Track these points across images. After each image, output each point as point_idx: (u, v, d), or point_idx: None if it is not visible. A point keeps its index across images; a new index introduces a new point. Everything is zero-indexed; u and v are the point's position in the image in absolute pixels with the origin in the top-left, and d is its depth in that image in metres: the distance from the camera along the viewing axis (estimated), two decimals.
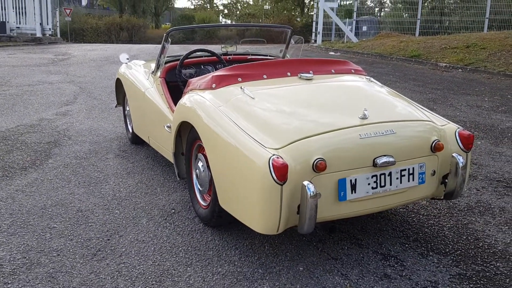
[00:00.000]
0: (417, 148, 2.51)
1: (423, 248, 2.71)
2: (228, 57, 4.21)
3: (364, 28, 19.63)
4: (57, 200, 3.35)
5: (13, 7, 19.25)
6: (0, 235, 2.82)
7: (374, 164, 2.36)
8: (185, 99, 3.00)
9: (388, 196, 2.47)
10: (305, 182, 2.18)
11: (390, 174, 2.43)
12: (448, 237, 2.86)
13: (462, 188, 2.60)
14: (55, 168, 4.03)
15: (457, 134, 2.66)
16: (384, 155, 2.38)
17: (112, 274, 2.43)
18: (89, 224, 2.99)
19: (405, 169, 2.47)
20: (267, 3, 44.71)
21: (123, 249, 2.67)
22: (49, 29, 19.47)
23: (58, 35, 19.84)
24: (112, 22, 37.73)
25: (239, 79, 2.88)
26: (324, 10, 18.08)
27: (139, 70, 4.35)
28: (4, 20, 19.14)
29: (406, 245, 2.76)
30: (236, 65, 3.03)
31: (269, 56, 4.46)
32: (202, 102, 2.80)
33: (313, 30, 19.43)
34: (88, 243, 2.74)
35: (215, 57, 4.00)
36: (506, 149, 4.80)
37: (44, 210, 3.19)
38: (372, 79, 3.21)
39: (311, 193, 2.16)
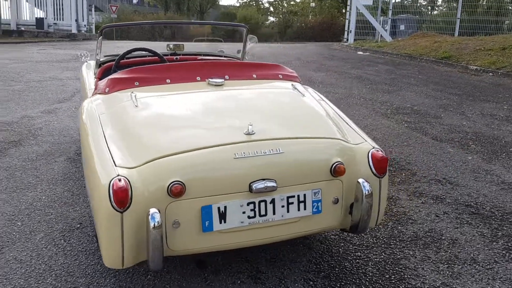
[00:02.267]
0: (311, 172, 2.11)
1: None
2: (175, 57, 3.90)
3: (402, 27, 18.73)
4: None
5: (51, 4, 19.76)
6: None
7: (250, 190, 1.99)
8: (83, 103, 2.72)
9: (271, 227, 2.08)
10: (152, 210, 1.85)
11: (272, 201, 2.04)
12: (367, 275, 2.44)
13: (368, 220, 2.17)
14: None
15: (369, 156, 2.23)
16: (263, 179, 2.00)
17: None
18: None
19: (293, 196, 2.07)
20: (313, 1, 43.86)
21: None
22: (84, 25, 19.84)
23: (93, 32, 20.16)
24: (157, 19, 38.24)
25: (136, 83, 2.56)
26: (357, 8, 17.39)
27: (90, 70, 4.12)
28: (42, 16, 19.68)
29: (311, 283, 2.36)
30: (137, 67, 2.72)
31: (224, 56, 4.11)
32: (89, 108, 2.51)
33: (346, 28, 18.72)
34: None
35: (157, 57, 3.70)
36: (498, 166, 4.22)
37: None
38: (299, 86, 2.80)
39: (155, 223, 1.82)
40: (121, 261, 1.92)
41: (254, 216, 2.03)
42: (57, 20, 19.84)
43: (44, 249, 2.64)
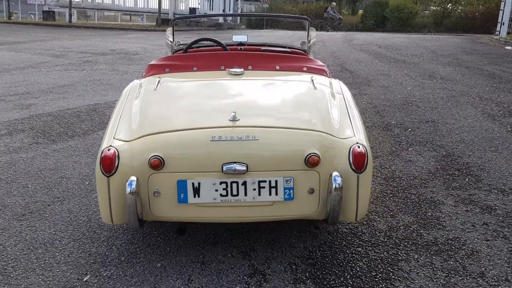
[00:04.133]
0: (284, 160, 2.22)
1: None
2: (239, 47, 4.15)
3: None
4: None
5: None
6: None
7: (222, 170, 2.19)
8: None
9: (243, 207, 2.26)
10: (131, 178, 2.17)
11: (244, 183, 2.22)
12: (353, 270, 2.45)
13: (337, 213, 2.21)
14: None
15: (350, 151, 2.25)
16: (234, 162, 2.18)
17: None
18: None
19: (264, 181, 2.22)
20: None
21: None
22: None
23: (238, 21, 21.38)
24: (306, 9, 38.63)
25: (167, 69, 2.90)
26: None
27: None
28: (196, 6, 21.48)
29: (294, 266, 2.47)
30: (173, 55, 3.05)
31: (289, 48, 4.24)
32: (128, 87, 2.91)
33: (499, 20, 16.90)
34: None
35: (221, 47, 4.00)
36: None
37: None
38: (320, 79, 2.86)
39: (131, 189, 2.14)
40: (110, 218, 2.28)
41: (226, 195, 2.22)
42: (208, 10, 21.48)
43: (93, 204, 3.16)
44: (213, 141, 2.21)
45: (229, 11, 21.24)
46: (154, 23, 20.86)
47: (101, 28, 22.94)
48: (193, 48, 4.02)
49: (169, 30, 3.92)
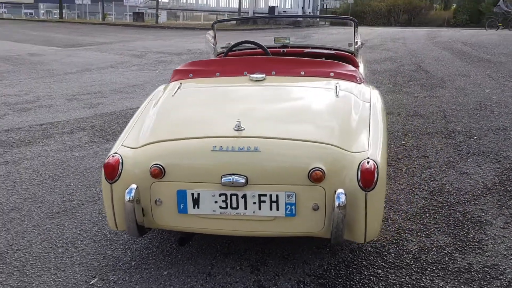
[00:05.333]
0: (286, 174, 2.10)
1: None
2: (282, 50, 4.04)
3: None
4: None
5: None
6: None
7: (221, 182, 2.12)
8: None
9: (244, 221, 2.17)
10: (131, 186, 2.16)
11: (244, 196, 2.12)
12: None
13: (341, 233, 2.03)
14: None
15: (359, 167, 2.07)
16: (234, 174, 2.10)
17: None
18: None
19: (265, 195, 2.11)
20: None
21: None
22: (309, 12, 20.91)
23: (318, 19, 21.07)
24: (393, 4, 37.10)
25: (191, 75, 2.88)
26: None
27: None
28: (275, 4, 21.51)
29: (302, 285, 2.33)
30: (199, 60, 3.01)
31: (334, 50, 4.04)
32: (151, 95, 2.93)
33: None
34: None
35: (261, 50, 3.91)
36: None
37: None
38: (346, 85, 2.67)
39: (130, 197, 2.13)
40: (115, 224, 2.30)
41: (226, 208, 2.15)
42: (287, 7, 21.43)
43: None
44: (214, 151, 2.14)
45: (309, 7, 21.00)
46: (234, 22, 21.22)
47: (184, 28, 23.77)
48: (235, 51, 3.98)
49: (211, 32, 3.91)
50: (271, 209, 2.12)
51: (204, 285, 2.33)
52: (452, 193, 3.43)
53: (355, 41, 3.91)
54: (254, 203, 2.12)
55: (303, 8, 20.55)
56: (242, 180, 2.08)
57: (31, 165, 4.07)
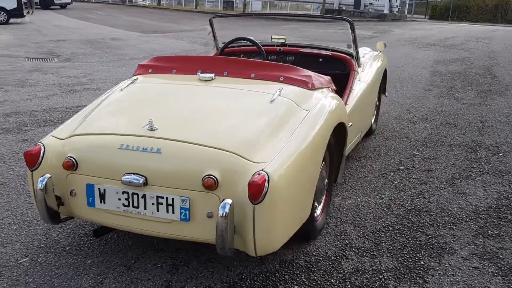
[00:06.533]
0: (181, 178, 2.08)
1: None
2: (278, 48, 3.93)
3: None
4: None
5: None
6: None
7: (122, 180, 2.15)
8: None
9: (144, 221, 2.19)
10: (46, 175, 2.26)
11: (144, 196, 2.14)
12: None
13: (224, 242, 1.96)
14: None
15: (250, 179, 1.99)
16: (134, 173, 2.12)
17: None
18: None
19: (162, 197, 2.11)
20: None
21: None
22: (396, 6, 19.97)
23: (405, 12, 20.05)
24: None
25: (150, 70, 2.92)
26: None
27: None
28: None
29: None
30: (157, 56, 3.02)
31: (332, 51, 3.85)
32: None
33: None
34: None
35: (256, 47, 3.83)
36: None
37: None
38: (290, 92, 2.56)
39: (40, 186, 2.23)
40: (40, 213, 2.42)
41: (128, 206, 2.18)
42: (373, 0, 20.64)
43: None
44: (120, 149, 2.18)
45: (395, 1, 20.01)
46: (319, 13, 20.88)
47: (269, 17, 23.76)
48: (233, 47, 3.97)
49: (208, 28, 3.93)
50: (167, 212, 2.12)
51: (116, 278, 2.39)
52: (431, 213, 3.16)
53: (355, 43, 3.70)
54: (153, 204, 2.13)
55: (390, 1, 19.65)
56: (139, 181, 2.09)
57: None
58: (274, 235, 2.06)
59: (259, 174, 1.98)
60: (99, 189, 2.21)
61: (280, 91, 2.53)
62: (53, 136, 2.42)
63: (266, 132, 2.24)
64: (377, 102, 4.84)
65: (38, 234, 2.81)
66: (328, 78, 2.98)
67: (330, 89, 2.93)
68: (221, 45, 4.14)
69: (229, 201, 1.96)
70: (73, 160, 2.24)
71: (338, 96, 2.94)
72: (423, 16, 31.00)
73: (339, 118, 2.76)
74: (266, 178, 1.97)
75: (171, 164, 2.11)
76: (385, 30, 17.19)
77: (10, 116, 5.33)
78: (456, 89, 7.26)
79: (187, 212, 2.08)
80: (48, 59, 9.92)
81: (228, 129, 2.26)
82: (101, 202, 2.22)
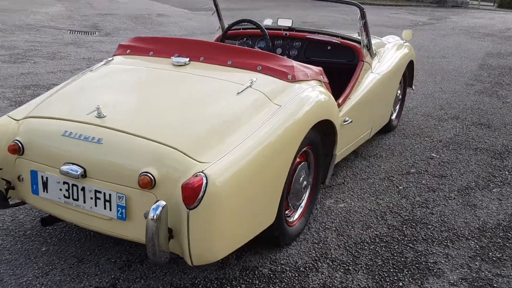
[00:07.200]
0: (119, 173, 1.90)
1: None
2: (284, 33, 3.63)
3: None
4: None
5: None
6: None
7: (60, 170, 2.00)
8: None
9: (83, 215, 2.04)
10: None
11: (83, 189, 1.98)
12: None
13: (154, 247, 1.76)
14: None
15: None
16: (73, 163, 1.96)
17: None
18: None
19: (100, 192, 1.94)
20: None
21: None
22: None
23: None
24: None
25: (128, 51, 2.74)
26: None
27: None
28: None
29: (113, 279, 2.14)
30: (138, 36, 2.83)
31: (341, 38, 3.51)
32: None
33: None
34: None
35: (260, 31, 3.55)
36: None
37: None
38: (260, 83, 2.30)
39: None
40: None
41: (69, 197, 2.03)
42: None
43: None
44: (64, 136, 2.03)
45: None
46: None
47: (379, 4, 22.33)
48: (238, 29, 3.74)
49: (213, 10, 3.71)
50: (105, 208, 1.96)
51: (64, 271, 2.27)
52: (429, 226, 2.83)
53: (366, 30, 3.35)
54: (91, 198, 1.98)
55: None
56: (78, 172, 1.94)
57: None
58: (212, 245, 1.84)
59: (196, 176, 1.76)
60: (42, 176, 2.08)
61: (251, 83, 2.28)
62: (9, 117, 2.31)
63: (222, 128, 2.01)
64: (400, 96, 4.46)
65: (6, 215, 2.73)
66: (318, 69, 2.69)
67: (319, 81, 2.64)
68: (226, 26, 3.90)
69: (162, 203, 1.76)
70: (19, 144, 2.11)
71: (326, 91, 2.65)
72: (492, 4, 28.95)
73: (323, 114, 2.48)
74: (204, 181, 1.75)
75: (110, 156, 1.93)
76: (442, 17, 16.17)
77: (28, 88, 5.36)
78: (501, 86, 6.65)
79: (123, 210, 1.91)
80: (89, 33, 10.00)
81: (181, 122, 2.04)
82: (43, 191, 2.09)
